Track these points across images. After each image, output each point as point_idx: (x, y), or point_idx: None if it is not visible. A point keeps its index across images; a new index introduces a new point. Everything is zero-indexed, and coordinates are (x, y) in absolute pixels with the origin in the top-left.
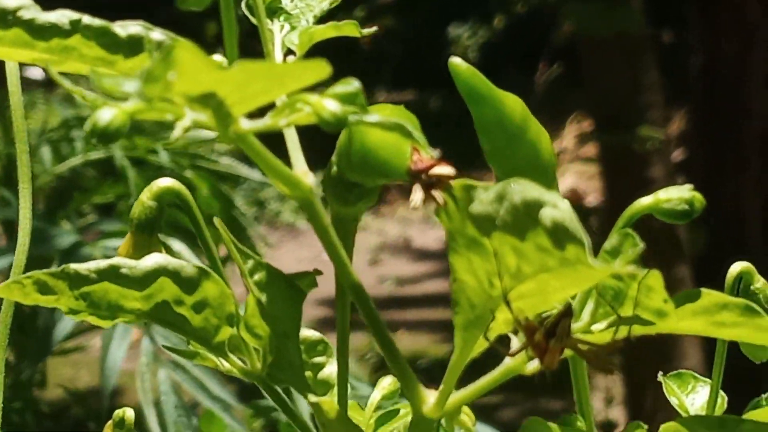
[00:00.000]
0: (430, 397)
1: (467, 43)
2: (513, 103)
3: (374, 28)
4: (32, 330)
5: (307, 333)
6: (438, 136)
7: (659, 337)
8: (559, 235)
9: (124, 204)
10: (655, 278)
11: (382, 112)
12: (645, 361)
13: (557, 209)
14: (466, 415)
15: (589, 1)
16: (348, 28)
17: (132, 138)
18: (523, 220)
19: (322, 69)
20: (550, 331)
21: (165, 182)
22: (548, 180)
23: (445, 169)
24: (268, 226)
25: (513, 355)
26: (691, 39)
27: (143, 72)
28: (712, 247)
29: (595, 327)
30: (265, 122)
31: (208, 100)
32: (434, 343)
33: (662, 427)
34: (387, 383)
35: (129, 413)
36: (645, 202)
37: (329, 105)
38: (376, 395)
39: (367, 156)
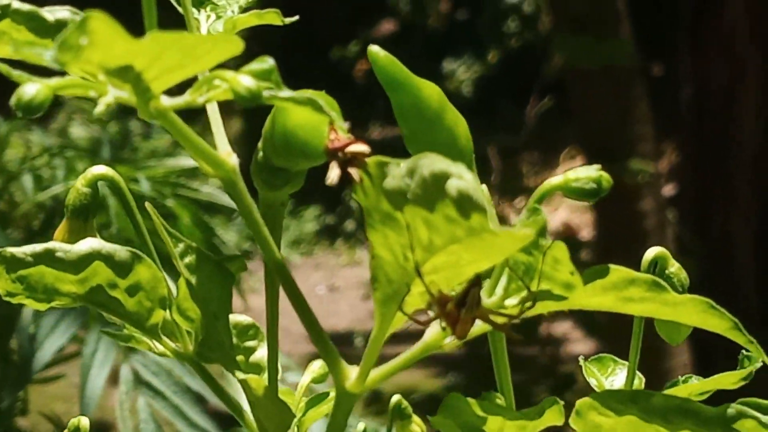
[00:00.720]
0: (352, 372)
1: (462, 77)
2: (430, 90)
3: (296, 17)
4: (12, 358)
5: (239, 318)
6: None
7: (649, 359)
8: (465, 204)
9: (106, 233)
10: (560, 249)
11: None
12: None
13: (462, 180)
14: (417, 425)
15: (578, 33)
16: (269, 16)
17: (113, 167)
18: (432, 191)
19: (233, 44)
20: (461, 301)
21: (99, 169)
22: (465, 164)
23: (360, 147)
24: (261, 260)
25: (425, 324)
26: (680, 71)
27: (58, 39)
28: (702, 278)
29: (509, 302)
30: (184, 99)
31: (126, 73)
32: (427, 378)
33: (578, 402)
34: (316, 367)
35: (84, 422)
36: (555, 181)
37: (244, 81)
38: (306, 378)
39: (288, 137)
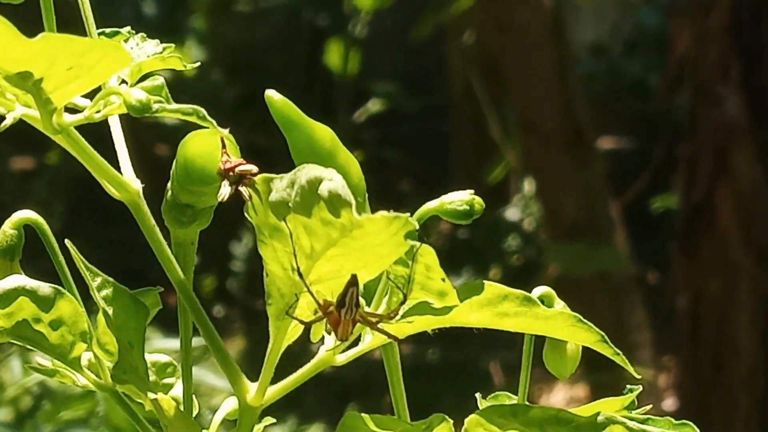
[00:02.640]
0: (252, 387)
1: None
2: (322, 132)
3: (197, 62)
4: None
5: (157, 357)
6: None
7: None
8: (335, 202)
9: (96, 420)
10: (430, 255)
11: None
12: None
13: (332, 181)
14: None
15: (572, 242)
16: (172, 61)
17: None
18: (309, 197)
19: (121, 53)
20: (341, 302)
21: (24, 213)
22: (358, 202)
23: (249, 167)
24: None
25: (309, 324)
26: (675, 279)
27: None
28: None
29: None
30: (84, 114)
31: (25, 80)
32: None
33: (467, 420)
34: (231, 404)
35: None
36: (431, 205)
37: (136, 93)
38: (220, 414)
39: (187, 166)
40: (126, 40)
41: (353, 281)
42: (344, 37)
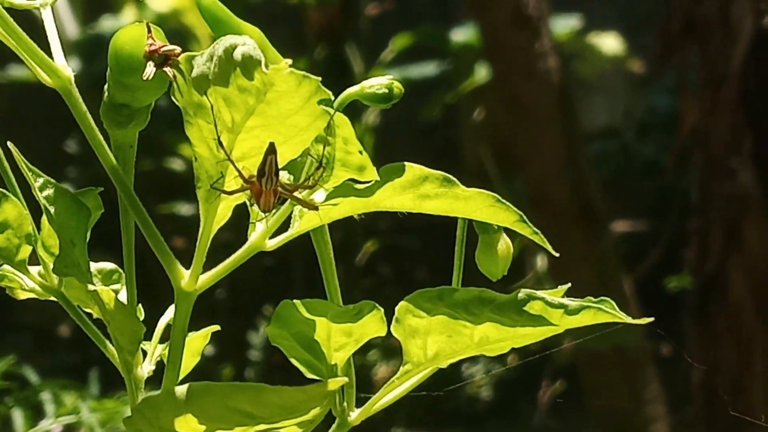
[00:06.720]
0: (186, 273)
1: (481, 382)
2: (250, 30)
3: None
4: None
5: (103, 264)
6: None
7: None
8: (248, 64)
9: None
10: (345, 126)
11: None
12: None
13: (245, 45)
14: None
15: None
16: None
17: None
18: (225, 66)
19: None
20: (261, 171)
21: None
22: None
23: (173, 48)
24: None
25: (232, 194)
26: (689, 352)
27: None
28: None
29: (317, 196)
30: None
31: None
32: None
33: (397, 309)
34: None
35: None
36: (352, 90)
37: None
38: (164, 319)
39: (118, 56)
40: None
41: (271, 149)
42: (358, 124)
